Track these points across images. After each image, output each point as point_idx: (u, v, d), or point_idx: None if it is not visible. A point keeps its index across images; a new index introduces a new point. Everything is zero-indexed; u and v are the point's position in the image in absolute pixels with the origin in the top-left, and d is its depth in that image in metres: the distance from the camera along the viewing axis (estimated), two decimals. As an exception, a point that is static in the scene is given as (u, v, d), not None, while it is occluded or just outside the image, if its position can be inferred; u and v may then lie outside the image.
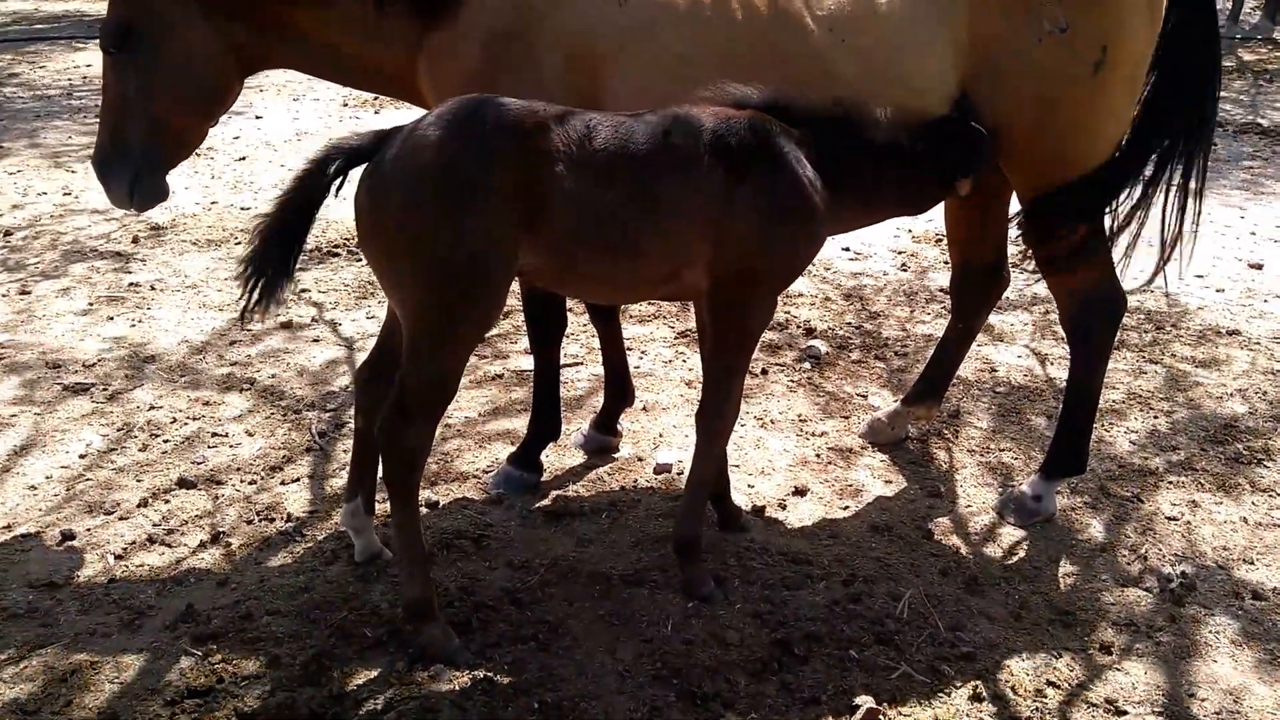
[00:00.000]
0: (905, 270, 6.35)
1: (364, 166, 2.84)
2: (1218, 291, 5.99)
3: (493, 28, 3.27)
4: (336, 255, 6.33)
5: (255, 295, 2.87)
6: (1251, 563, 3.50)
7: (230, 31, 3.42)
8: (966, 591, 3.34)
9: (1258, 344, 5.31)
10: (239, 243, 6.45)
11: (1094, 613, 3.25)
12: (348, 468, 3.42)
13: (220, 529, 3.61)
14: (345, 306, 5.59)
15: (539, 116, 2.81)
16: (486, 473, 4.00)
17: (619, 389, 4.16)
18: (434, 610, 2.99)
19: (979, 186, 3.29)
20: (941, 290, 5.97)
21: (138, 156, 3.52)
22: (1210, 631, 3.18)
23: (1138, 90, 3.48)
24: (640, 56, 3.26)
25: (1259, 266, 6.33)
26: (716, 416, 3.18)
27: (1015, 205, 3.73)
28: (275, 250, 2.85)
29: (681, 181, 2.88)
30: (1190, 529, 3.69)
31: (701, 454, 3.24)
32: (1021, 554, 3.55)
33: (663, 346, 5.18)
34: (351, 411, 4.26)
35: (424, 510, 3.70)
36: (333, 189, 2.84)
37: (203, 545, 3.53)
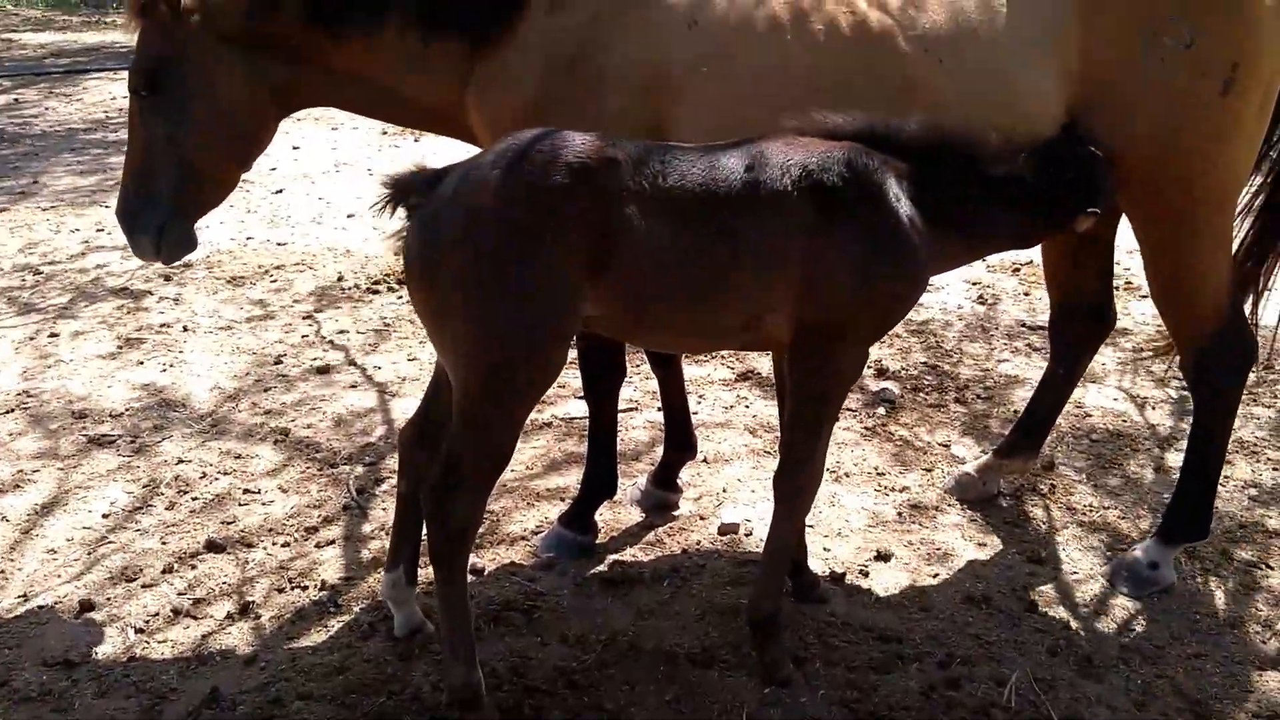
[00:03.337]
0: (982, 303, 5.94)
1: (417, 210, 2.56)
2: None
3: (550, 56, 3.01)
4: (377, 293, 6.08)
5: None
6: None
7: (269, 70, 3.20)
8: (1080, 675, 2.95)
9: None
10: (274, 282, 6.23)
11: (1228, 702, 2.84)
12: (388, 531, 3.12)
13: (250, 598, 3.32)
14: (385, 349, 5.31)
15: (607, 152, 2.52)
16: (536, 534, 3.68)
17: (681, 440, 3.82)
18: (481, 697, 2.68)
19: (1102, 216, 2.92)
20: (1021, 324, 5.57)
21: (166, 205, 3.28)
22: (1371, 727, 2.76)
23: (1270, 113, 3.11)
24: (713, 85, 2.97)
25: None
26: (797, 481, 2.84)
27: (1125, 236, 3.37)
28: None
29: (766, 222, 2.57)
30: (1331, 601, 3.26)
31: (780, 523, 2.89)
32: (1139, 630, 3.14)
33: (722, 389, 4.84)
34: (392, 465, 3.97)
35: (470, 578, 3.39)
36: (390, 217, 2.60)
37: (230, 618, 3.24)
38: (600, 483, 3.60)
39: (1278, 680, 2.92)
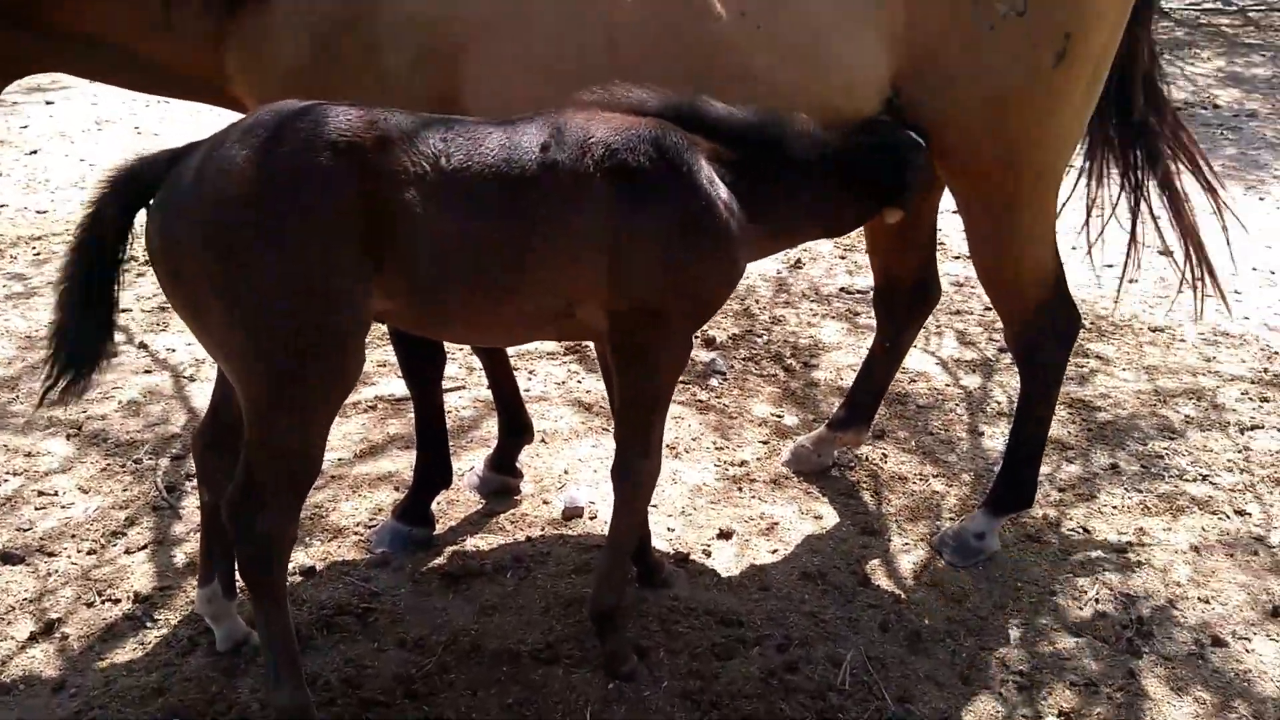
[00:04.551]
0: (798, 268, 6.00)
1: (154, 198, 2.27)
2: (1130, 281, 5.85)
3: (319, 14, 2.68)
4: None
5: (69, 377, 2.32)
6: (1207, 601, 3.30)
7: None
8: (910, 650, 3.04)
9: (1182, 341, 5.17)
10: (37, 254, 5.66)
11: (1048, 671, 2.99)
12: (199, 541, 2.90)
13: (53, 615, 3.05)
14: (177, 328, 4.88)
15: (378, 127, 2.28)
16: (369, 526, 3.52)
17: (515, 423, 3.71)
18: (311, 717, 2.53)
19: (911, 212, 2.91)
20: (844, 290, 5.67)
21: None
22: (1172, 688, 2.95)
23: (1100, 87, 3.11)
24: (505, 49, 2.73)
25: (1168, 253, 6.23)
26: (635, 473, 2.77)
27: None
28: (81, 322, 2.29)
29: (566, 205, 2.41)
30: (1138, 563, 3.47)
31: (621, 515, 2.83)
32: (965, 601, 3.26)
33: (551, 365, 4.73)
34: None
35: (297, 579, 3.22)
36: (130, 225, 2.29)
37: (33, 638, 2.97)
38: (434, 473, 3.45)
39: (1093, 648, 3.08)
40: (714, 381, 4.62)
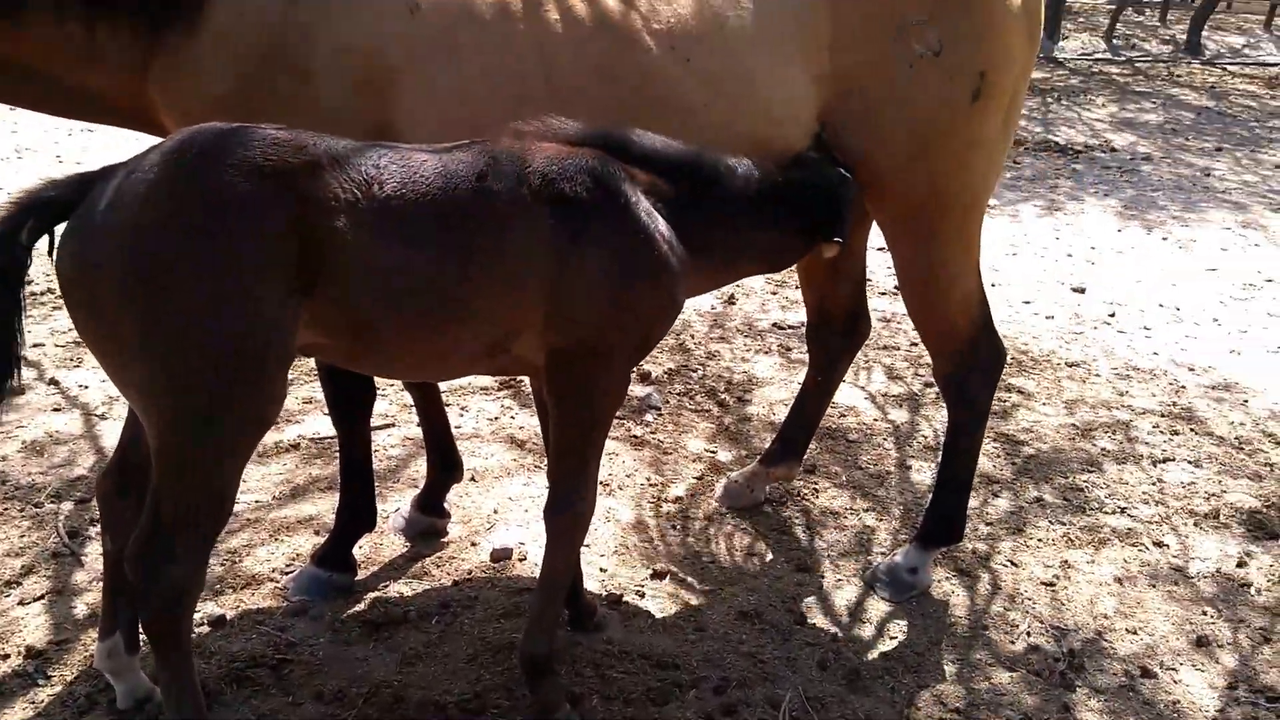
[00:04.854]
0: (731, 303, 6.01)
1: (66, 224, 2.13)
2: (1046, 318, 6.01)
3: (246, 40, 2.58)
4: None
5: None
6: (1134, 632, 3.32)
7: None
8: (849, 689, 2.99)
9: (1097, 376, 5.29)
10: None
11: (985, 708, 2.96)
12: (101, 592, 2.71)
13: (-64, 674, 2.81)
14: (90, 364, 4.67)
15: (308, 152, 2.18)
16: (286, 573, 3.35)
17: (444, 460, 3.59)
18: (222, 781, 2.37)
19: (846, 247, 2.92)
20: (777, 326, 5.69)
21: None
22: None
23: (1015, 125, 3.22)
24: (437, 77, 2.67)
25: (1081, 290, 6.42)
26: (569, 513, 2.67)
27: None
28: None
29: (502, 236, 2.33)
30: (1066, 595, 3.49)
31: (554, 557, 2.72)
32: (901, 637, 3.23)
33: (485, 400, 4.62)
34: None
35: (204, 630, 3.04)
36: (34, 253, 2.14)
37: (-87, 701, 2.73)
38: (357, 515, 3.30)
39: (1027, 681, 3.07)
40: (649, 417, 4.55)
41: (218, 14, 2.57)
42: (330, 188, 2.18)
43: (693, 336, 5.49)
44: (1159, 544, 3.81)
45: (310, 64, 2.60)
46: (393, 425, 4.35)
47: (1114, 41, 16.78)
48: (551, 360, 2.52)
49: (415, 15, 2.65)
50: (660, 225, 2.54)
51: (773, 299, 6.08)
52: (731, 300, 6.02)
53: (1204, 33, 16.96)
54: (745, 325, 5.71)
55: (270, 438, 4.23)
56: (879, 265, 6.12)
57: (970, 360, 3.32)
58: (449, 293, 2.31)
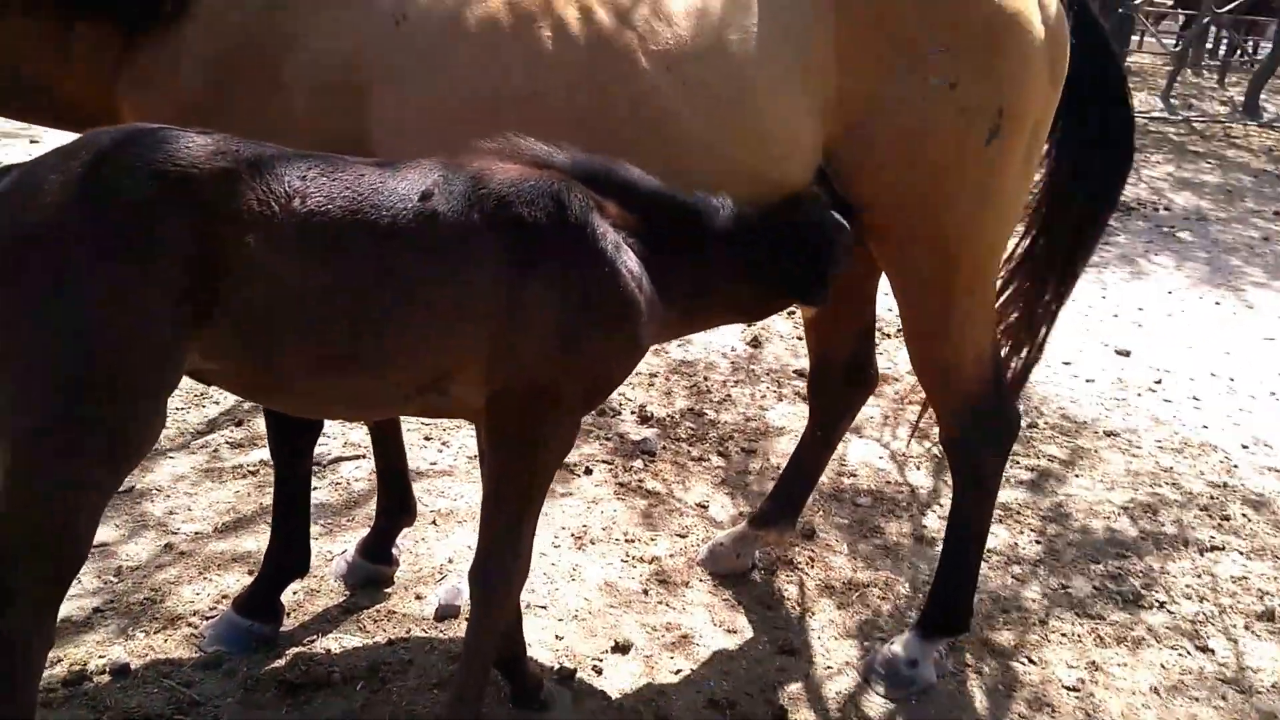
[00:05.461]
0: (755, 345, 5.62)
1: None
2: (1087, 381, 5.54)
3: (222, 47, 2.40)
4: None
5: None
6: (1170, 756, 2.87)
7: None
8: (828, 802, 2.57)
9: (1139, 448, 4.81)
10: None
11: (989, 835, 2.53)
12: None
13: None
14: None
15: (226, 158, 1.92)
16: (209, 617, 3.00)
17: (396, 502, 3.24)
18: None
19: (827, 303, 2.56)
20: (798, 372, 5.28)
21: None
22: None
23: (1035, 166, 2.85)
24: (418, 93, 2.43)
25: (1126, 354, 5.94)
26: (498, 574, 2.33)
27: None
28: None
29: (445, 263, 2.05)
30: (1094, 704, 3.03)
31: (480, 621, 2.38)
32: (894, 743, 2.81)
33: (469, 436, 4.25)
34: None
35: (105, 678, 2.70)
36: None
37: None
38: (288, 558, 2.96)
39: (1033, 802, 2.63)
40: (638, 463, 4.17)
41: (196, 20, 2.40)
42: (244, 198, 1.92)
43: (708, 378, 5.10)
44: (1205, 649, 3.34)
45: (283, 73, 2.41)
46: (363, 457, 4.00)
47: (1171, 101, 16.27)
48: (493, 404, 2.21)
49: (400, 27, 2.44)
50: (629, 260, 2.24)
51: (799, 344, 5.67)
52: (757, 343, 5.62)
53: (1262, 95, 16.42)
54: (767, 371, 5.30)
55: (230, 460, 3.91)
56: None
57: (980, 426, 2.93)
58: (375, 325, 2.03)
